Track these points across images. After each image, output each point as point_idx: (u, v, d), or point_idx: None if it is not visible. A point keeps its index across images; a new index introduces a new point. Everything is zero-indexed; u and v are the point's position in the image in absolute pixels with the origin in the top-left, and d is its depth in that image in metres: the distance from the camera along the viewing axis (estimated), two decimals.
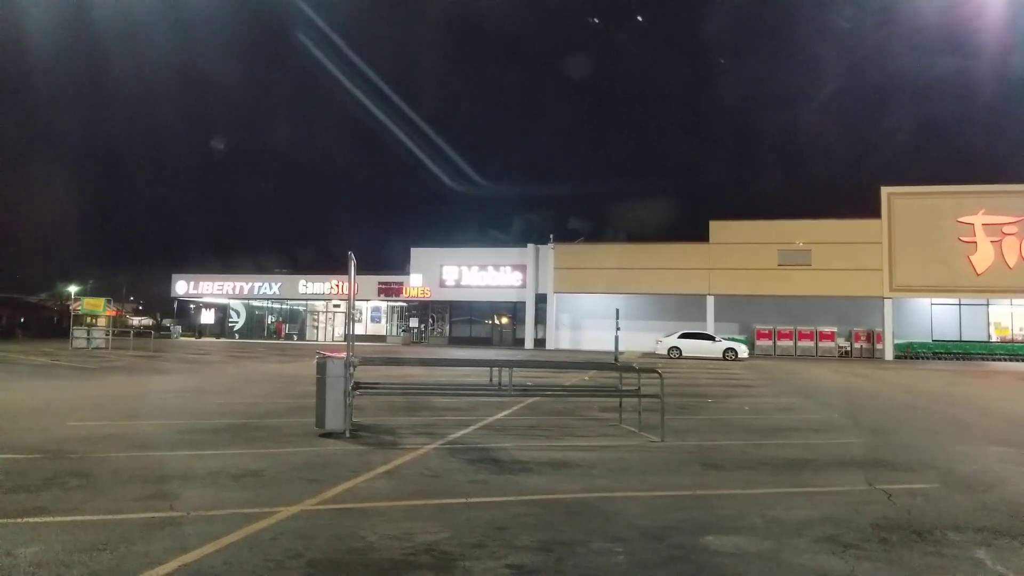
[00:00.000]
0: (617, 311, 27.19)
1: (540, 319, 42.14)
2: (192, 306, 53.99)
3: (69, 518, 4.90)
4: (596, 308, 40.40)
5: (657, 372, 9.18)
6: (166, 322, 58.90)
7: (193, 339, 49.77)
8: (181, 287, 48.84)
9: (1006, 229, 35.39)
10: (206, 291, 49.02)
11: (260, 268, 50.47)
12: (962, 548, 4.55)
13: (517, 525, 4.88)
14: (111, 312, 41.40)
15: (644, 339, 40.30)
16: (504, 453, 7.59)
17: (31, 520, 4.84)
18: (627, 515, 5.21)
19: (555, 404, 12.03)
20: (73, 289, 61.37)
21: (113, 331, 34.44)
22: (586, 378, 17.46)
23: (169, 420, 9.89)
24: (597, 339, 38.28)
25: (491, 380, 9.75)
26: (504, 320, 46.06)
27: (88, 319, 44.67)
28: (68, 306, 51.77)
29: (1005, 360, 35.40)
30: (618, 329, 26.27)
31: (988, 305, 37.76)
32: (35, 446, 7.48)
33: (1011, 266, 35.16)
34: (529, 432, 9.22)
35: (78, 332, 32.18)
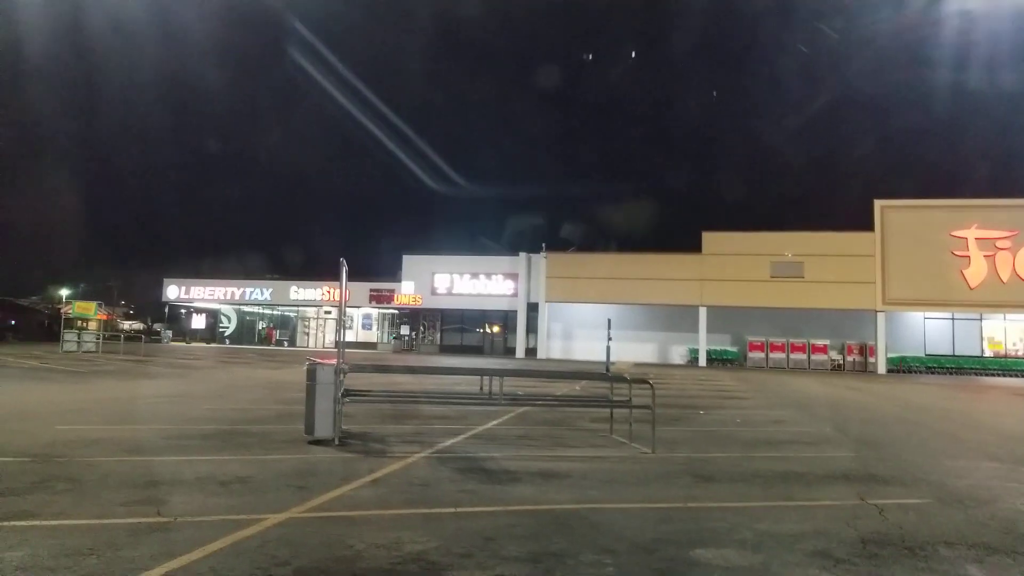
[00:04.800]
0: (609, 321, 27.20)
1: (532, 328, 42.07)
2: (183, 311, 53.70)
3: (56, 522, 4.85)
4: (588, 318, 40.40)
5: (648, 383, 9.20)
6: (156, 326, 58.50)
7: (183, 344, 49.53)
8: (172, 292, 48.59)
9: (999, 244, 35.45)
10: (197, 296, 48.77)
11: (251, 274, 50.29)
12: (953, 564, 4.54)
13: (506, 535, 4.85)
14: (102, 316, 41.18)
15: (636, 349, 40.36)
16: (494, 463, 7.56)
17: (18, 524, 4.78)
18: (617, 527, 5.18)
19: (546, 414, 11.99)
20: (64, 292, 61.00)
21: (104, 335, 34.27)
22: (577, 388, 17.44)
23: (158, 425, 9.81)
24: (588, 349, 38.23)
25: (482, 389, 9.73)
26: (495, 329, 45.97)
27: (79, 323, 44.39)
28: (59, 309, 51.44)
29: (999, 375, 35.49)
30: (610, 339, 26.25)
31: (982, 320, 37.80)
32: (22, 450, 7.41)
33: (1004, 281, 35.18)
34: (519, 442, 9.19)
35: (68, 335, 31.97)
